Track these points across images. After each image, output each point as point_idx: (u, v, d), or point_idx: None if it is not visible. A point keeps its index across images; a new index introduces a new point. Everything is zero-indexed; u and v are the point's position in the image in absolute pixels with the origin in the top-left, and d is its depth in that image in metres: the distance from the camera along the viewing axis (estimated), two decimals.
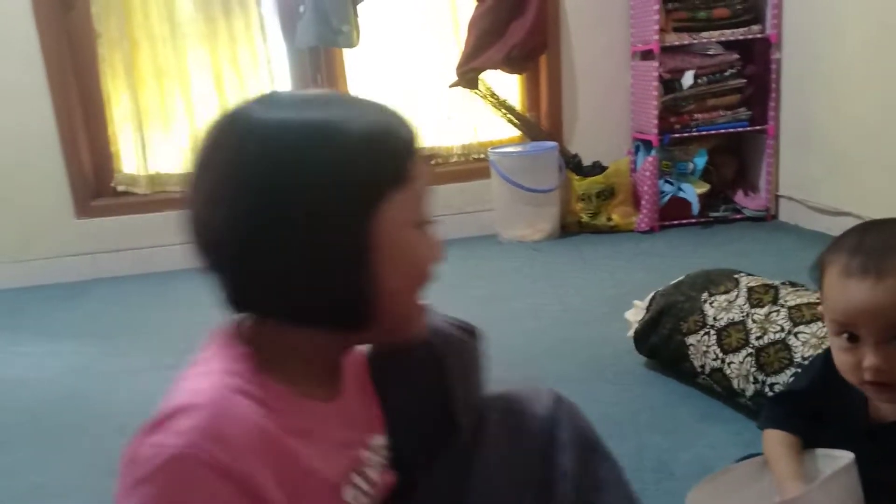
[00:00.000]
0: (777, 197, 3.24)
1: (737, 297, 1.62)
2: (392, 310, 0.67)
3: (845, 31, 2.70)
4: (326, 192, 0.60)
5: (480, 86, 3.29)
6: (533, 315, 2.32)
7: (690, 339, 1.65)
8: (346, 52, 3.26)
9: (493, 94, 3.31)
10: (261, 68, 3.27)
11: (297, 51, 3.18)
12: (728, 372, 1.54)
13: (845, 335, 0.90)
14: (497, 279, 2.75)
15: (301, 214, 0.60)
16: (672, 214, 3.23)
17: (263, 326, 0.67)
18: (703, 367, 1.62)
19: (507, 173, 3.15)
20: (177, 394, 0.59)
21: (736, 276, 1.70)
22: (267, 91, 0.68)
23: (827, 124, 2.87)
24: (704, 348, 1.61)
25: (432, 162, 3.45)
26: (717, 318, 1.61)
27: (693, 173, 3.27)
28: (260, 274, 0.62)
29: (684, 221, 3.23)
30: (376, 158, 0.63)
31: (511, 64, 3.20)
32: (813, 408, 1.04)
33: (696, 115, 3.16)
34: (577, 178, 3.28)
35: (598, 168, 3.31)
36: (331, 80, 3.25)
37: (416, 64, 3.36)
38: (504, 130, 3.47)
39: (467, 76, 3.20)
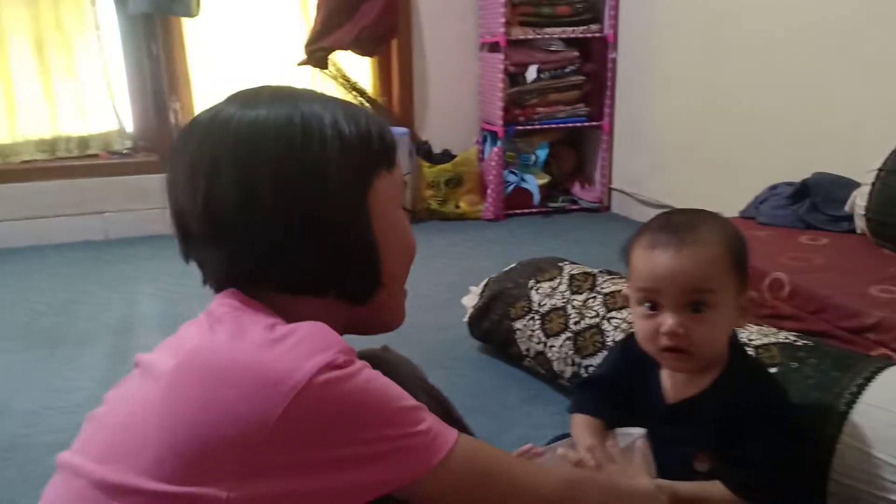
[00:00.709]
0: (610, 190, 3.45)
1: (559, 283, 1.71)
2: (390, 285, 0.76)
3: (674, 36, 2.91)
4: (336, 166, 0.68)
5: (331, 67, 3.23)
6: None
7: (517, 324, 1.72)
8: (185, 21, 3.08)
9: (344, 76, 3.26)
10: (88, 34, 3.02)
11: (129, 17, 2.96)
12: (550, 355, 1.63)
13: (647, 304, 0.98)
14: None
15: (317, 187, 0.67)
16: (516, 204, 3.35)
17: (279, 298, 0.70)
18: (528, 350, 1.70)
19: None
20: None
21: (561, 263, 1.79)
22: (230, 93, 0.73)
23: (655, 122, 3.09)
24: (530, 332, 1.68)
25: None
26: (542, 303, 1.69)
27: (535, 165, 3.41)
28: (288, 246, 0.68)
29: (526, 211, 3.36)
30: (369, 144, 0.72)
31: (361, 46, 3.16)
32: (617, 392, 1.11)
33: (539, 109, 3.29)
34: (427, 165, 3.31)
35: (447, 156, 3.37)
36: (167, 51, 3.06)
37: (263, 39, 3.24)
38: None
39: (316, 55, 3.13)
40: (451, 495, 0.65)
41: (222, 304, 0.67)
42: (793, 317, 1.59)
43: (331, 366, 0.58)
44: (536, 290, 1.73)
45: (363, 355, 0.88)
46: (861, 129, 2.14)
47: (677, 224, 0.99)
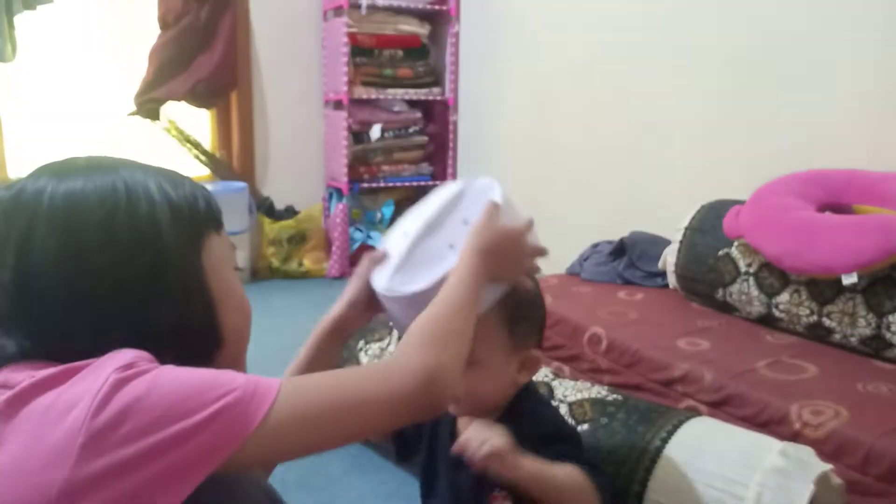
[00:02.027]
0: None
1: (389, 343, 1.68)
2: (230, 346, 0.74)
3: (509, 101, 3.05)
4: (168, 227, 0.68)
5: (164, 119, 3.09)
6: None
7: None
8: None
9: (177, 129, 3.12)
10: None
11: None
12: None
13: None
14: None
15: (152, 248, 0.67)
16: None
17: None
18: None
19: None
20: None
21: (391, 323, 1.76)
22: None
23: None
24: None
25: None
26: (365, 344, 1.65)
27: (381, 222, 3.41)
28: (126, 309, 0.66)
29: None
30: (196, 207, 0.72)
31: (197, 98, 3.05)
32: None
33: (384, 167, 3.31)
34: (268, 221, 3.22)
35: (290, 212, 3.29)
36: None
37: (92, 89, 3.05)
38: (194, 169, 3.29)
39: (146, 106, 2.98)
40: (290, 441, 0.64)
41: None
42: (610, 370, 1.65)
43: (126, 367, 0.59)
44: (366, 351, 1.69)
45: None
46: (673, 191, 2.32)
47: None
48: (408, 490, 1.10)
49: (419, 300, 0.91)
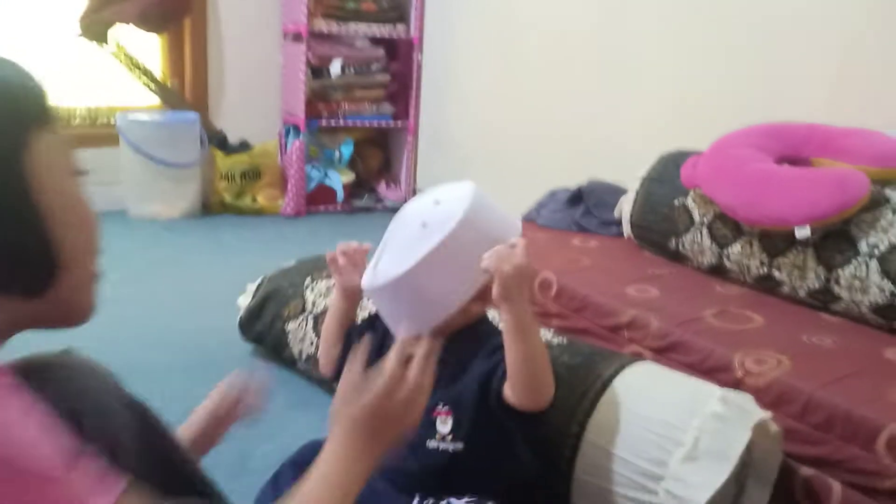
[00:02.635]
0: (415, 190, 3.45)
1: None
2: (72, 269, 0.63)
3: (475, 44, 2.96)
4: None
5: (113, 43, 2.93)
6: (142, 302, 2.11)
7: (290, 326, 1.62)
8: None
9: (126, 54, 2.96)
10: None
11: None
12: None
13: None
14: (111, 262, 2.45)
15: None
16: (318, 200, 3.24)
17: None
18: (300, 353, 1.60)
19: (138, 143, 2.85)
20: None
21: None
22: None
23: (458, 126, 3.13)
24: (302, 334, 1.59)
25: None
26: (316, 303, 1.60)
27: (340, 162, 3.32)
28: None
29: (330, 208, 3.26)
30: (13, 96, 0.60)
31: (147, 22, 2.90)
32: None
33: (344, 105, 3.21)
34: (221, 155, 3.10)
35: (244, 147, 3.18)
36: None
37: (32, 7, 2.86)
38: (143, 97, 3.14)
39: (93, 28, 2.82)
40: None
41: None
42: (559, 314, 1.63)
43: None
44: (312, 289, 1.64)
45: (33, 363, 0.74)
46: (634, 140, 2.29)
47: None
48: None
49: (402, 286, 0.95)
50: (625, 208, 1.95)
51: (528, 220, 2.21)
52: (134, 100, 3.12)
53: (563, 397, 1.17)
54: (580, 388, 1.18)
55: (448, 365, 1.00)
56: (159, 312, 2.04)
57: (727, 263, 1.67)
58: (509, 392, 0.97)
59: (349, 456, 0.73)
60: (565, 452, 1.14)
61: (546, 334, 1.34)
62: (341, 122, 3.22)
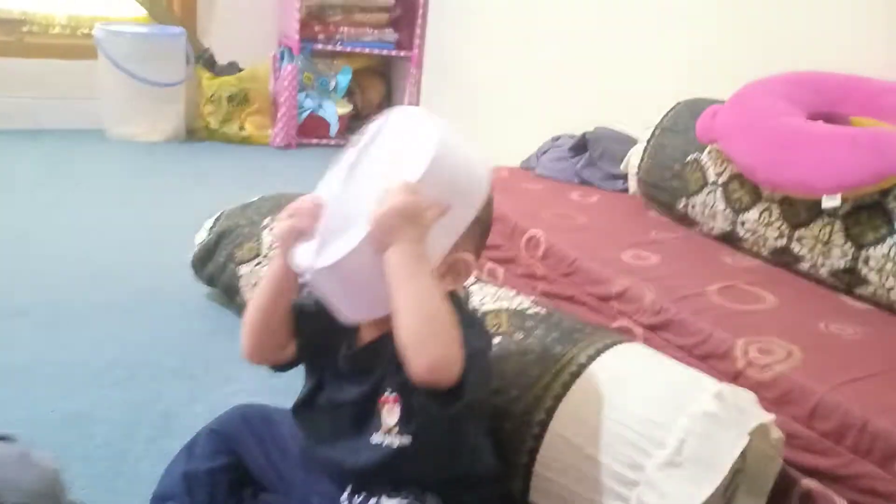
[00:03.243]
0: None
1: None
2: None
3: None
4: None
5: None
6: (99, 229, 1.94)
7: (242, 270, 1.45)
8: None
9: None
10: None
11: None
12: None
13: None
14: (81, 183, 2.29)
15: None
16: (310, 132, 3.04)
17: None
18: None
19: (117, 57, 2.64)
20: None
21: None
22: None
23: (466, 59, 2.88)
24: (255, 280, 1.42)
25: (25, 30, 2.77)
26: (272, 246, 1.43)
27: (335, 91, 3.10)
28: None
29: (323, 141, 3.06)
30: None
31: None
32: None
33: (343, 28, 2.97)
34: (207, 76, 2.89)
35: (233, 69, 2.96)
36: None
37: None
38: (127, 7, 2.91)
39: None
40: None
41: None
42: (545, 278, 1.45)
43: None
44: (270, 230, 1.47)
45: None
46: (648, 86, 2.05)
47: None
48: (296, 388, 0.92)
49: (350, 265, 0.76)
50: (633, 161, 1.74)
51: (527, 167, 2.01)
52: (117, 10, 2.89)
53: (533, 378, 1.01)
54: (552, 368, 1.01)
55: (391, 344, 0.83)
56: (115, 243, 1.87)
57: (741, 231, 1.47)
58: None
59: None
60: (527, 442, 0.98)
61: (524, 302, 1.16)
62: (339, 47, 2.98)
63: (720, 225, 1.52)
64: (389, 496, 0.85)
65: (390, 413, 0.86)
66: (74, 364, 1.29)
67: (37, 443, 1.07)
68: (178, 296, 1.61)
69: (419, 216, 0.76)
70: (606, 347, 1.04)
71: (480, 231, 0.87)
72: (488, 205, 0.87)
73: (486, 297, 1.17)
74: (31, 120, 2.73)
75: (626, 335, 1.15)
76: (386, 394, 0.85)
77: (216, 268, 1.51)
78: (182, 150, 2.79)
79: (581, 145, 1.91)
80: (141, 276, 1.69)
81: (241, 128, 2.95)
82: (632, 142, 1.83)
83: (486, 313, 1.13)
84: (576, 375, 0.99)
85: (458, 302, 0.89)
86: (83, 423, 1.14)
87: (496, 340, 1.07)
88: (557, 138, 2.00)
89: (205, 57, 2.91)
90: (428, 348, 0.73)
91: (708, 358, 1.11)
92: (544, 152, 1.99)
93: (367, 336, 0.89)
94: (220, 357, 1.37)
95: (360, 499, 0.86)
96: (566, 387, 0.98)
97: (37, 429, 1.11)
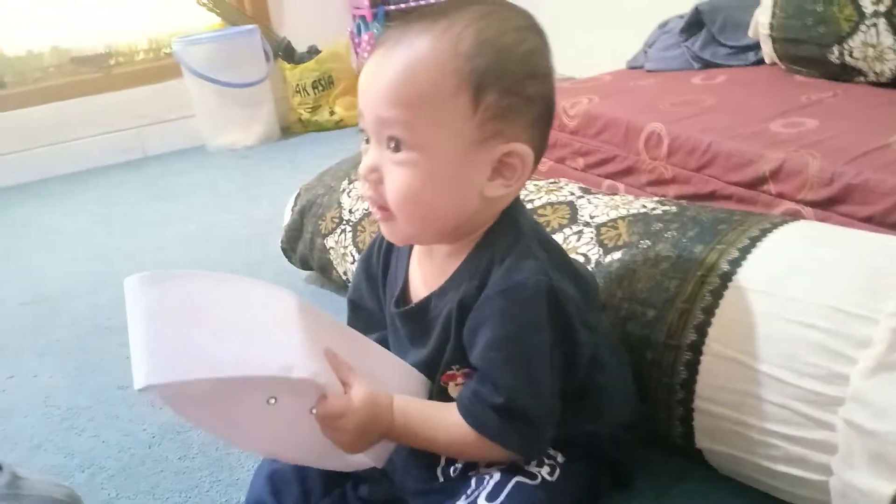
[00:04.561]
0: None
1: None
2: None
3: None
4: None
5: None
6: (205, 236, 1.90)
7: (329, 241, 1.31)
8: None
9: None
10: None
11: None
12: None
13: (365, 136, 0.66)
14: (183, 198, 2.28)
15: None
16: None
17: None
18: (346, 273, 1.29)
19: (197, 67, 2.61)
20: None
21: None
22: None
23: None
24: (343, 250, 1.27)
25: (112, 63, 2.82)
26: (353, 209, 1.27)
27: None
28: None
29: None
30: None
31: None
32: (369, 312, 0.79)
33: None
34: (288, 67, 2.81)
35: (313, 53, 2.86)
36: None
37: None
38: (201, 18, 2.89)
39: None
40: None
41: None
42: (675, 179, 1.20)
43: None
44: (348, 193, 1.31)
45: None
46: None
47: (414, 17, 0.64)
48: None
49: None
50: (761, 20, 1.42)
51: (634, 67, 1.73)
52: (192, 23, 2.87)
53: (672, 291, 0.78)
54: (695, 273, 0.77)
55: (448, 301, 0.67)
56: (217, 244, 1.82)
57: None
58: None
59: None
60: (679, 373, 0.75)
61: (647, 204, 0.92)
62: (411, 2, 2.80)
63: (891, 65, 1.18)
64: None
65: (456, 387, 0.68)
66: None
67: (96, 463, 1.01)
68: (276, 282, 1.50)
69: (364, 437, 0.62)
70: (765, 233, 0.78)
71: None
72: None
73: (596, 208, 0.94)
74: (134, 150, 2.79)
75: (789, 217, 0.88)
76: (454, 369, 0.68)
77: (305, 246, 1.38)
78: (277, 148, 2.73)
79: (694, 23, 1.59)
80: (242, 272, 1.61)
81: (332, 112, 2.84)
82: (756, 4, 1.49)
83: (599, 227, 0.90)
84: (728, 277, 0.75)
85: (512, 220, 0.67)
86: (179, 434, 1.04)
87: (615, 256, 0.85)
88: (665, 24, 1.70)
89: (283, 47, 2.83)
90: (485, 457, 0.66)
91: None
92: (651, 45, 1.69)
93: (420, 288, 0.71)
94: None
95: (457, 471, 0.68)
96: (717, 294, 0.75)
97: (133, 445, 1.04)
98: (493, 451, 0.64)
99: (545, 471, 0.65)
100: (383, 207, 0.64)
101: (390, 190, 0.62)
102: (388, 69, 0.60)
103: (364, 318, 0.78)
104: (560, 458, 0.67)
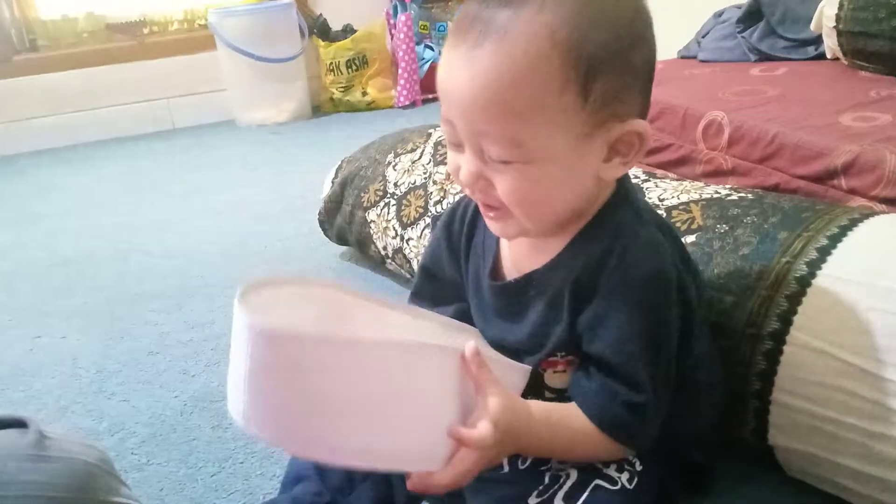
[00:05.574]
0: None
1: (422, 154, 1.25)
2: None
3: None
4: None
5: None
6: (234, 208, 1.87)
7: (371, 215, 1.27)
8: None
9: None
10: None
11: None
12: (408, 252, 1.19)
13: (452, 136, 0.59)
14: (211, 172, 2.25)
15: None
16: (433, 86, 2.81)
17: None
18: (386, 248, 1.25)
19: (232, 39, 2.58)
20: None
21: (432, 130, 1.33)
22: None
23: None
24: (385, 224, 1.24)
25: (146, 31, 2.80)
26: (399, 183, 1.24)
27: None
28: None
29: None
30: None
31: None
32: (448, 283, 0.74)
33: None
34: (323, 44, 2.78)
35: (348, 32, 2.82)
36: None
37: None
38: None
39: None
40: None
41: None
42: (734, 171, 1.15)
43: None
44: (394, 166, 1.27)
45: None
46: None
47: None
48: None
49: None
50: (827, 13, 1.36)
51: (686, 56, 1.68)
52: None
53: (753, 276, 0.73)
54: (780, 259, 0.73)
55: (557, 279, 0.62)
56: (250, 218, 1.78)
57: None
58: None
59: None
60: (757, 364, 0.71)
61: (719, 190, 0.88)
62: None
63: None
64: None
65: (558, 378, 0.64)
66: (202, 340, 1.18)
67: (126, 427, 0.98)
68: (309, 260, 1.47)
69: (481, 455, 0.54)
70: (854, 223, 0.74)
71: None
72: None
73: (665, 191, 0.90)
74: (164, 121, 2.77)
75: (869, 212, 0.83)
76: (557, 356, 0.63)
77: (344, 219, 1.34)
78: (308, 126, 2.70)
79: (753, 13, 1.54)
80: (275, 245, 1.58)
81: (364, 93, 2.81)
82: None
83: (670, 209, 0.86)
84: (816, 265, 0.70)
85: (625, 195, 0.62)
86: (212, 404, 1.01)
87: (689, 239, 0.80)
88: (720, 13, 1.65)
89: (318, 24, 2.79)
90: (593, 456, 0.61)
91: None
92: (705, 34, 1.64)
93: (519, 264, 0.66)
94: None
95: (526, 462, 0.64)
96: (804, 281, 0.70)
97: (164, 412, 1.01)
98: (608, 451, 0.60)
99: (625, 477, 0.60)
100: (495, 207, 0.58)
101: (504, 192, 0.56)
102: (479, 72, 0.52)
103: (438, 286, 0.73)
104: (638, 466, 0.62)
